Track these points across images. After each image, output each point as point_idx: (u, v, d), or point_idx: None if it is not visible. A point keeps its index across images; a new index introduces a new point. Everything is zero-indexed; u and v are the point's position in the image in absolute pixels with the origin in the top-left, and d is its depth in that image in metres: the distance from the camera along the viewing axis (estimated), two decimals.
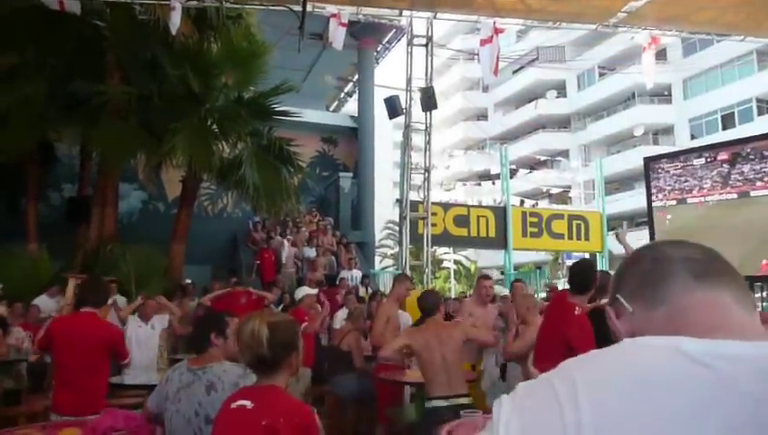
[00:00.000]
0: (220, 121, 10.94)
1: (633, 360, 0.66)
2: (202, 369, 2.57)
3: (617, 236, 5.04)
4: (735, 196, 8.28)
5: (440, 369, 3.92)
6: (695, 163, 9.82)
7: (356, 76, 19.31)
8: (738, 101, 27.55)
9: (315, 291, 7.21)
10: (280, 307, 9.00)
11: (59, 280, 9.07)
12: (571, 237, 14.85)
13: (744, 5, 8.49)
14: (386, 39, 18.04)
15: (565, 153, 34.49)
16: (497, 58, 7.74)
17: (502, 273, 18.37)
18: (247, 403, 1.95)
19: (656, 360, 0.65)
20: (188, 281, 10.34)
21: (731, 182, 8.35)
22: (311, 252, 13.02)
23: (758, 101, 27.08)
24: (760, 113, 26.87)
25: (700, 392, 0.61)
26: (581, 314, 3.64)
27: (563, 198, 30.67)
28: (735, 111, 27.77)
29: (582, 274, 3.87)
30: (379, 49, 18.40)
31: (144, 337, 6.15)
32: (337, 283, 11.56)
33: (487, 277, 6.14)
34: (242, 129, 10.95)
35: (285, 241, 13.05)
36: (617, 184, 29.10)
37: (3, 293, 8.00)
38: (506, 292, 10.06)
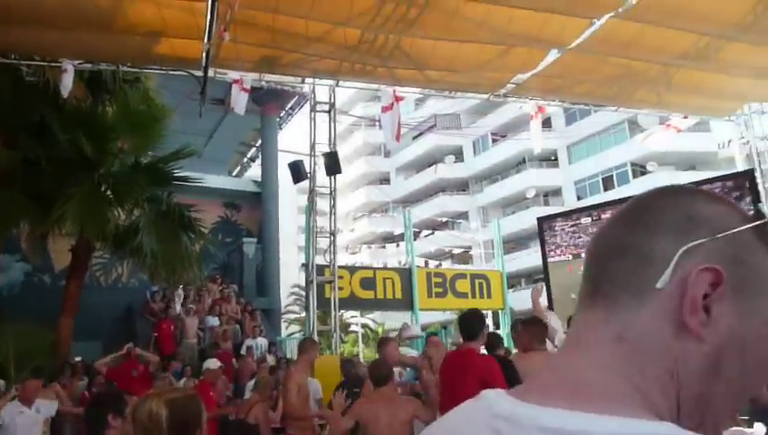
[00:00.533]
0: (115, 187, 10.48)
1: (451, 419, 0.63)
2: None
3: (532, 293, 5.32)
4: None
5: None
6: (582, 222, 10.56)
7: (259, 141, 19.32)
8: (615, 165, 30.11)
9: (218, 365, 6.88)
10: (181, 381, 8.50)
11: None
12: (474, 296, 15.26)
13: (616, 80, 9.45)
14: (288, 105, 18.30)
15: (465, 215, 35.88)
16: (398, 124, 8.06)
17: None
18: None
19: (460, 421, 0.61)
20: (78, 359, 9.59)
21: None
22: (214, 321, 12.51)
23: (632, 164, 29.72)
24: (635, 176, 29.44)
25: None
26: (485, 356, 3.78)
27: (465, 257, 31.70)
28: (614, 173, 30.28)
29: (470, 321, 4.04)
30: (281, 114, 18.60)
31: (27, 423, 5.52)
32: (242, 352, 11.13)
33: (392, 339, 6.07)
34: (139, 195, 10.54)
35: (186, 311, 12.46)
36: (513, 243, 30.50)
37: None
38: (413, 353, 10.10)
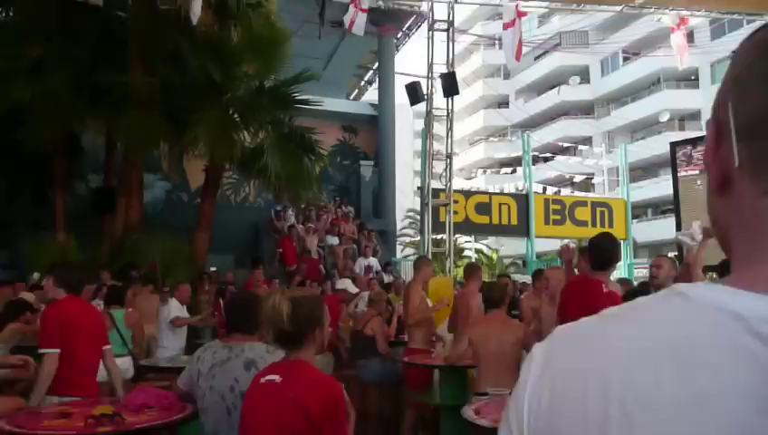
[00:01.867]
0: (241, 111, 10.99)
1: (671, 328, 0.49)
2: (239, 347, 2.60)
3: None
4: None
5: (492, 365, 3.81)
6: None
7: (376, 64, 19.25)
8: None
9: (355, 290, 7.23)
10: None
11: (89, 267, 9.24)
12: (594, 225, 14.68)
13: None
14: (406, 26, 17.93)
15: (588, 140, 34.05)
16: (520, 42, 7.66)
17: (524, 262, 18.24)
18: (276, 378, 1.98)
19: (698, 331, 0.48)
20: (213, 269, 10.47)
21: None
22: (333, 240, 13.07)
23: None
24: None
25: (754, 382, 0.44)
26: (611, 292, 3.42)
27: (586, 185, 30.32)
28: None
29: (604, 248, 3.51)
30: (399, 36, 18.30)
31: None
32: (357, 270, 11.62)
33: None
34: (263, 118, 11.00)
35: (307, 229, 13.11)
36: (640, 171, 28.67)
37: (34, 281, 8.17)
38: (527, 279, 10.01)
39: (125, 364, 5.52)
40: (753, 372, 0.44)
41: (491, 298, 4.11)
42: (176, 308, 6.42)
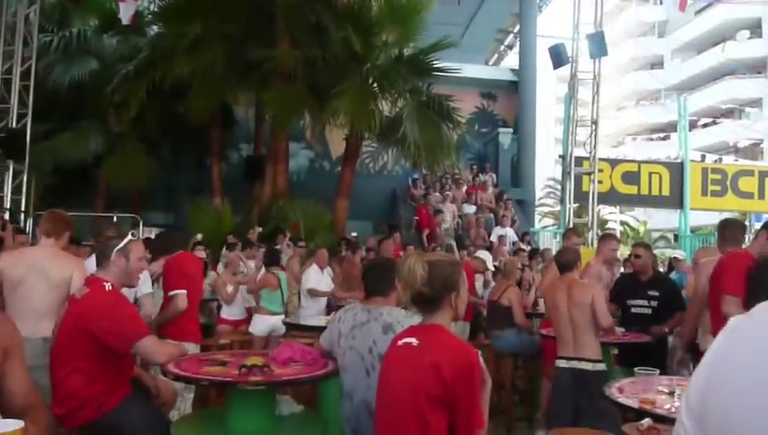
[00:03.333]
0: (380, 80, 11.15)
1: None
2: (378, 310, 2.67)
3: None
4: None
5: (566, 328, 3.82)
6: None
7: (517, 27, 18.54)
8: None
9: (491, 267, 7.17)
10: None
11: (240, 231, 10.02)
12: (762, 197, 13.23)
13: None
14: None
15: (758, 102, 30.41)
16: None
17: (675, 237, 16.92)
18: (413, 341, 1.99)
19: None
20: (354, 234, 10.86)
21: None
22: (470, 208, 12.96)
23: None
24: None
25: None
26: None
27: (753, 152, 27.26)
28: None
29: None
30: None
31: (323, 284, 6.70)
32: (493, 240, 11.44)
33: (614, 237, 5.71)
34: (402, 86, 11.09)
35: (445, 197, 13.11)
36: None
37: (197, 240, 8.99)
38: (679, 254, 9.25)
39: (280, 322, 5.95)
40: None
41: (560, 262, 4.09)
42: (314, 273, 6.74)
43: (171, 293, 4.14)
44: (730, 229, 3.99)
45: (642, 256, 4.99)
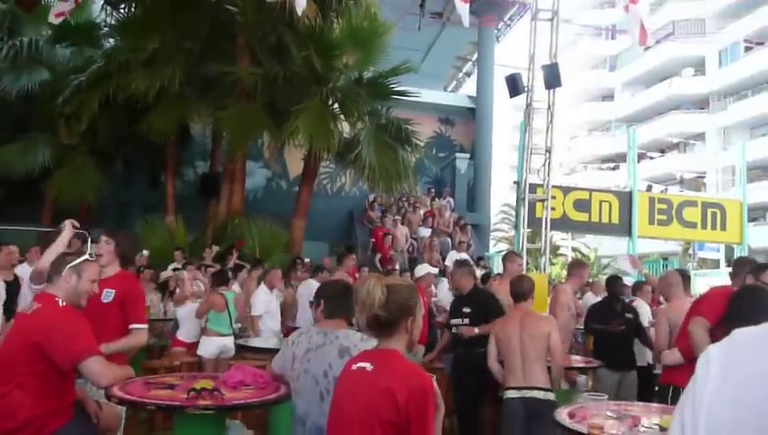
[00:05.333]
0: (341, 101, 11.20)
1: None
2: (334, 333, 2.64)
3: None
4: None
5: (516, 358, 3.83)
6: None
7: (475, 55, 18.97)
8: None
9: (436, 270, 7.23)
10: None
11: (193, 250, 9.82)
12: (704, 227, 13.70)
13: None
14: (507, 16, 17.53)
15: (701, 136, 31.83)
16: (641, 26, 7.25)
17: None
18: (367, 365, 1.98)
19: None
20: (307, 260, 10.75)
21: None
22: (425, 232, 13.05)
23: None
24: None
25: None
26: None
27: (697, 184, 28.44)
28: None
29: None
30: (499, 26, 17.93)
31: (273, 306, 6.56)
32: (447, 263, 11.52)
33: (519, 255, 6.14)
34: (361, 108, 11.15)
35: (399, 220, 13.18)
36: (760, 170, 26.46)
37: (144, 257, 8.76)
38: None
39: (230, 344, 5.81)
40: None
41: (517, 292, 4.10)
42: (263, 294, 6.63)
43: (136, 326, 3.48)
44: (740, 265, 4.13)
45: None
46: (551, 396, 3.75)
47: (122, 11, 12.24)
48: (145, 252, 8.63)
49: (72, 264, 2.79)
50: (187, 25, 10.83)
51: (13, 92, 11.53)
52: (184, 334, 6.13)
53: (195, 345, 6.09)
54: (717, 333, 3.48)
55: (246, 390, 2.86)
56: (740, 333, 0.56)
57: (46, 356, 2.55)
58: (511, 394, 3.82)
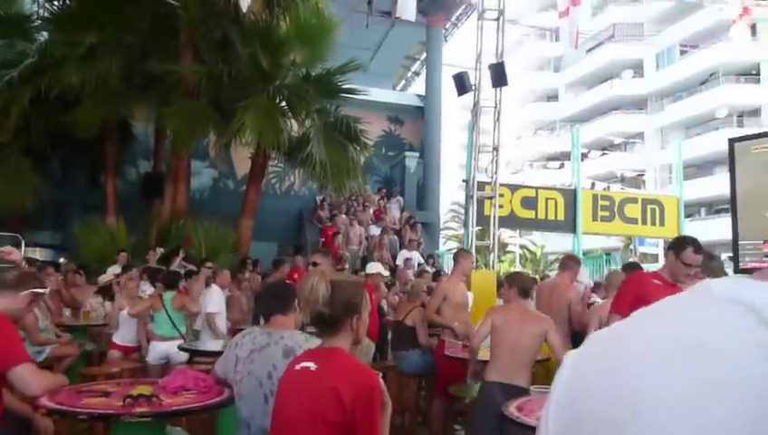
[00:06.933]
0: (288, 99, 11.03)
1: (687, 324, 0.50)
2: (279, 333, 2.56)
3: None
4: None
5: (506, 354, 3.79)
6: None
7: (423, 55, 19.08)
8: None
9: (386, 272, 7.18)
10: None
11: (136, 251, 9.48)
12: (645, 222, 14.18)
13: None
14: (455, 16, 17.70)
15: (640, 135, 33.02)
16: (577, 30, 7.42)
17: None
18: (311, 365, 1.91)
19: (710, 324, 0.48)
20: (254, 259, 10.56)
21: None
22: (375, 230, 13.03)
23: None
24: None
25: (762, 372, 0.43)
26: None
27: (637, 182, 29.48)
28: None
29: None
30: (447, 26, 18.08)
31: (223, 306, 6.42)
32: (398, 263, 11.54)
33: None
34: (310, 106, 11.01)
35: (349, 219, 13.12)
36: (694, 168, 27.64)
37: (82, 261, 8.40)
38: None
39: (174, 347, 5.60)
40: (763, 363, 0.43)
41: (523, 288, 4.05)
42: (216, 294, 6.47)
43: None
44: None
45: (321, 264, 4.27)
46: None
47: (56, 3, 11.71)
48: (61, 259, 8.24)
49: (33, 290, 2.70)
50: (126, 19, 10.43)
51: None
52: (119, 338, 5.89)
53: (132, 350, 5.86)
54: None
55: (188, 395, 2.74)
56: (592, 337, 0.59)
57: None
58: (492, 378, 3.77)
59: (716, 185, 26.87)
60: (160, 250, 9.31)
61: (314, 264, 3.68)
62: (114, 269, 8.29)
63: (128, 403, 2.49)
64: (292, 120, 11.31)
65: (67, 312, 7.56)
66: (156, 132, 12.92)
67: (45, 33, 11.97)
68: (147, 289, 7.11)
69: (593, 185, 16.08)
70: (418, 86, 20.51)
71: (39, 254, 12.46)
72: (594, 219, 13.84)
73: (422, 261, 11.88)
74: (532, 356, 3.82)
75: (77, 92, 9.96)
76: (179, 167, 11.42)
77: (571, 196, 13.57)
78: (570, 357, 0.58)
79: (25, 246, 10.19)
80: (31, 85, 10.18)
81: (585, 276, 7.23)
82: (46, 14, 11.63)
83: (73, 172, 13.51)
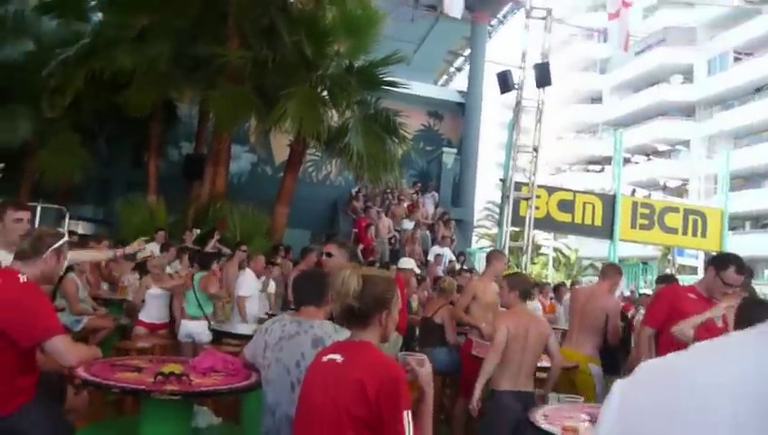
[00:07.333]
0: (330, 89, 11.08)
1: (753, 364, 0.49)
2: (309, 322, 2.59)
3: None
4: None
5: (517, 362, 3.75)
6: None
7: (467, 51, 18.92)
8: None
9: (418, 270, 7.17)
10: None
11: (174, 231, 9.70)
12: (685, 233, 13.86)
13: None
14: (501, 12, 17.49)
15: (686, 143, 32.16)
16: (627, 32, 7.28)
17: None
18: (338, 357, 1.93)
19: None
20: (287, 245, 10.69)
21: None
22: (408, 224, 13.03)
23: None
24: None
25: None
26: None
27: (680, 191, 28.74)
28: None
29: None
30: (492, 23, 17.88)
31: (256, 291, 6.53)
32: (430, 258, 11.53)
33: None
34: (351, 97, 11.04)
35: (378, 211, 13.14)
36: (742, 180, 26.82)
37: (122, 237, 8.62)
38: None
39: (199, 327, 5.73)
40: None
41: (525, 290, 3.99)
42: (250, 278, 6.58)
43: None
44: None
45: (335, 256, 3.67)
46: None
47: None
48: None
49: (54, 247, 2.71)
50: (178, 3, 10.63)
51: None
52: (145, 315, 6.02)
53: (158, 327, 5.99)
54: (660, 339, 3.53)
55: (216, 376, 2.80)
56: (643, 367, 0.57)
57: (5, 334, 2.47)
58: (504, 386, 3.75)
59: (764, 198, 26.04)
60: (197, 231, 9.50)
61: (328, 254, 3.51)
62: (152, 247, 8.49)
63: (159, 380, 2.56)
64: (333, 110, 11.36)
65: (105, 286, 7.81)
66: (199, 115, 13.15)
67: (100, 14, 12.29)
68: (181, 268, 7.28)
69: (634, 191, 15.74)
70: (459, 82, 20.36)
71: (81, 227, 12.85)
72: (633, 226, 13.59)
73: (453, 258, 11.84)
74: (537, 362, 3.84)
75: (129, 74, 10.20)
76: (220, 150, 11.61)
77: (609, 201, 13.33)
78: (620, 386, 0.57)
79: (69, 218, 10.52)
80: (85, 66, 10.47)
81: (621, 285, 7.05)
82: None
83: (118, 150, 13.88)
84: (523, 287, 3.99)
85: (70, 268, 5.55)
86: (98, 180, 13.51)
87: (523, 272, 4.63)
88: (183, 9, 10.69)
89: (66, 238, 2.83)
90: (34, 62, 11.29)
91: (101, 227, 13.73)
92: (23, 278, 2.59)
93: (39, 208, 10.40)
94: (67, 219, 10.32)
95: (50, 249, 2.68)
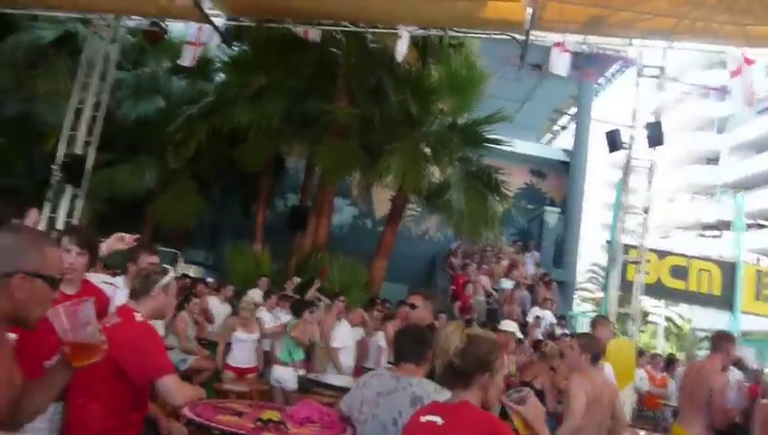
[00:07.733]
0: (433, 146, 11.25)
1: None
2: (407, 379, 2.54)
3: None
4: None
5: (594, 429, 3.54)
6: None
7: (572, 109, 18.63)
8: None
9: (520, 334, 6.96)
10: None
11: (276, 279, 10.04)
12: None
13: None
14: (609, 71, 17.15)
15: None
16: (751, 89, 6.87)
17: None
18: (437, 419, 1.86)
19: None
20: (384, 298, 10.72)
21: None
22: (507, 284, 12.71)
23: None
24: None
25: None
26: None
27: None
28: None
29: None
30: (600, 81, 17.55)
31: (351, 342, 6.58)
32: (529, 319, 11.12)
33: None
34: (453, 154, 11.15)
35: (481, 270, 12.92)
36: None
37: (229, 283, 9.03)
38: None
39: (287, 374, 5.80)
40: None
41: (597, 352, 3.81)
42: (345, 329, 6.63)
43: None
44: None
45: (420, 308, 3.52)
46: None
47: (234, 48, 13.01)
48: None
49: (161, 283, 2.86)
50: (292, 65, 11.33)
51: (131, 118, 12.43)
52: (233, 359, 6.16)
53: (246, 371, 6.11)
54: None
55: (312, 427, 2.81)
56: None
57: (122, 371, 2.61)
58: None
59: None
60: (297, 280, 9.77)
61: (412, 306, 3.37)
62: (255, 293, 8.82)
63: (258, 426, 2.60)
64: (435, 166, 11.49)
65: (209, 327, 8.16)
66: (306, 168, 13.74)
67: (222, 75, 13.35)
68: (282, 316, 7.47)
69: (758, 260, 14.49)
70: (563, 140, 19.99)
71: (193, 271, 13.63)
72: (757, 298, 12.50)
73: (554, 321, 11.35)
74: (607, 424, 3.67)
75: (244, 129, 10.93)
76: (324, 202, 12.02)
77: (729, 269, 12.35)
78: None
79: (183, 262, 11.21)
80: (207, 122, 11.36)
81: (749, 359, 6.38)
82: (225, 58, 12.96)
83: (230, 199, 14.73)
84: (594, 350, 3.82)
85: (181, 306, 5.85)
86: (210, 227, 14.36)
87: (592, 335, 4.33)
88: (296, 70, 11.37)
89: (172, 275, 2.95)
90: (163, 118, 12.37)
91: (211, 272, 14.50)
92: (138, 317, 2.74)
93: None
94: (181, 262, 10.98)
95: (157, 285, 2.82)
